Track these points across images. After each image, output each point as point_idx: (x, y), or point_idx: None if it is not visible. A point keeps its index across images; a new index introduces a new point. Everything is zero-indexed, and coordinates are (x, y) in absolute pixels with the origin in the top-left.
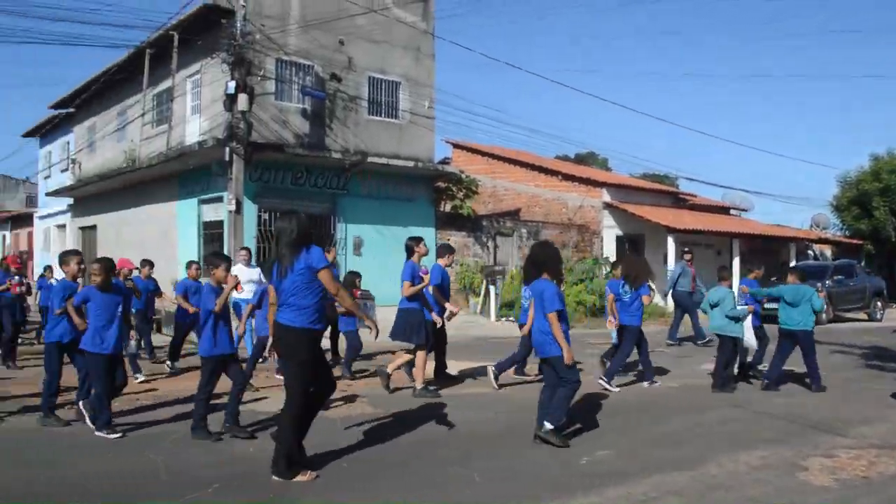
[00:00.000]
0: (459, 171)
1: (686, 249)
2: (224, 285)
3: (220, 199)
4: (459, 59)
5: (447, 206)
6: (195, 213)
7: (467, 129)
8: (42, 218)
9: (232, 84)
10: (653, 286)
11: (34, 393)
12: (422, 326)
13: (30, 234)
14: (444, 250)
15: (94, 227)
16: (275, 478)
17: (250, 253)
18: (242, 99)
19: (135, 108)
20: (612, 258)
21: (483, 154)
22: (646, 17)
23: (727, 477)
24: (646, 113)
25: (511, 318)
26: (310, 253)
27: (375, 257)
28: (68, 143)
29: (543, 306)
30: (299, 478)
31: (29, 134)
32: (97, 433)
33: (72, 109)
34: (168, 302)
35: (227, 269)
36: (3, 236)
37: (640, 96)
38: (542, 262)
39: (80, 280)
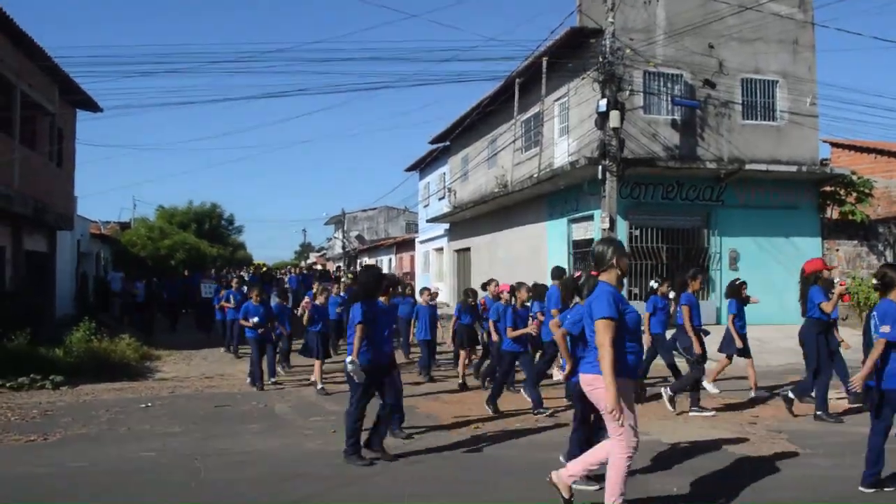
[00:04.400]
0: (851, 171)
1: None
2: None
3: (589, 218)
4: (847, 45)
5: (833, 213)
6: (564, 233)
7: (856, 125)
8: (422, 242)
9: (603, 102)
10: None
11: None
12: None
13: (411, 258)
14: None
15: (468, 250)
16: None
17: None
18: (614, 116)
19: (505, 135)
20: None
21: (869, 151)
22: None
23: None
24: None
25: None
26: None
27: (754, 271)
28: (444, 173)
29: None
30: None
31: (411, 168)
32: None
33: (447, 143)
34: None
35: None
36: (390, 259)
37: None
38: None
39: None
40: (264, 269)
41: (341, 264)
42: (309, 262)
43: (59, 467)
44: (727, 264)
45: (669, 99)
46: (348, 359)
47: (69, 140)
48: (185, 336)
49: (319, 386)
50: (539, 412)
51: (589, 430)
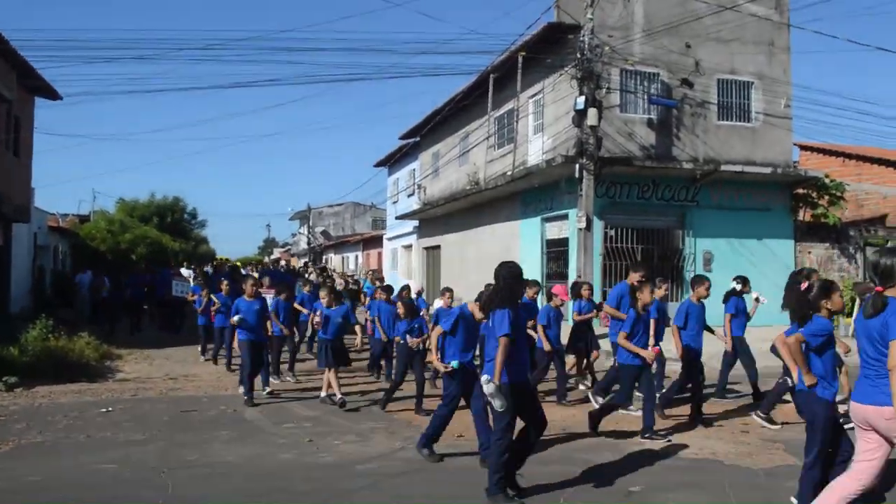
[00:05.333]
0: (824, 174)
1: None
2: None
3: (563, 217)
4: (822, 48)
5: (806, 215)
6: (538, 232)
7: (830, 128)
8: (390, 239)
9: (581, 99)
10: None
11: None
12: None
13: (379, 255)
14: None
15: (437, 248)
16: None
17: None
18: (592, 114)
19: (477, 132)
20: None
21: (837, 154)
22: None
23: None
24: None
25: None
26: None
27: (727, 273)
28: (414, 170)
29: None
30: None
31: (380, 164)
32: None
33: (418, 139)
34: None
35: None
36: (357, 256)
37: None
38: None
39: None
40: (229, 264)
41: (307, 260)
42: (273, 257)
43: (10, 482)
44: (701, 265)
45: (646, 98)
46: (484, 378)
47: (27, 128)
48: (147, 334)
49: (323, 394)
50: (649, 437)
51: (827, 467)
